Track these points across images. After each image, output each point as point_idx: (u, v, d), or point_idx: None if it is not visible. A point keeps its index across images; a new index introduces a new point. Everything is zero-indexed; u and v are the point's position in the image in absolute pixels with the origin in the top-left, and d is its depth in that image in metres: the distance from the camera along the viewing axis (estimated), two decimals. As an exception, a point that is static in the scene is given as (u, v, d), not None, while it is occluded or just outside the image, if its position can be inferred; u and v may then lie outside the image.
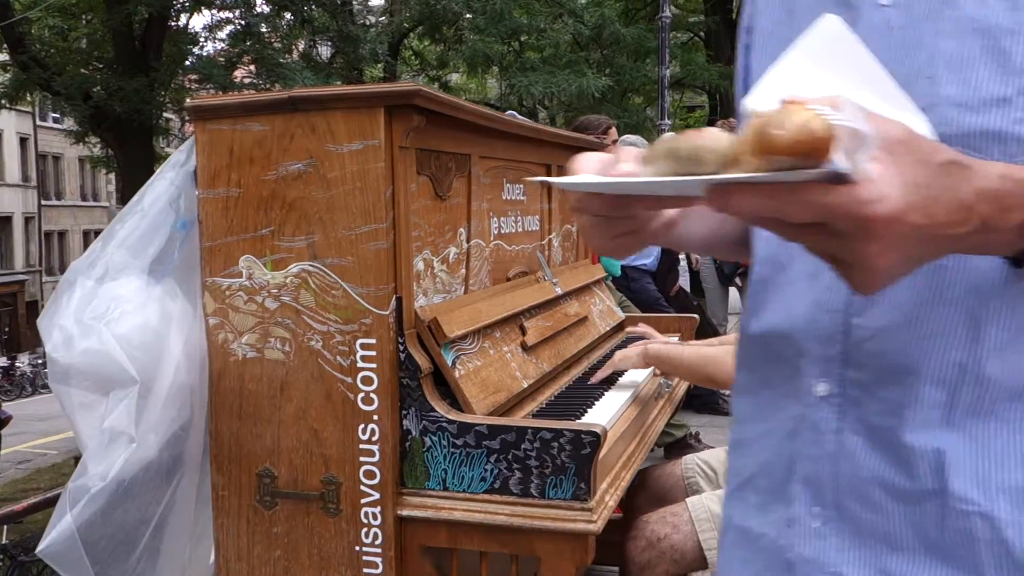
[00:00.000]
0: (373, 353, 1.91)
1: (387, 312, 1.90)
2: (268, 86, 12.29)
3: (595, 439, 1.81)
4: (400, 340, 1.91)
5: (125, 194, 12.25)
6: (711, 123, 20.30)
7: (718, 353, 2.32)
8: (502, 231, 2.58)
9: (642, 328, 2.76)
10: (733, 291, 6.67)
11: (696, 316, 3.44)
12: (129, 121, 10.36)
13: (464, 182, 2.29)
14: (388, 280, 1.89)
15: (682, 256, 6.56)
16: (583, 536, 1.84)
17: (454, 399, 1.98)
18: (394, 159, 1.89)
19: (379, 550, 1.94)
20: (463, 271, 2.28)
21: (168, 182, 1.95)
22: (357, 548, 1.95)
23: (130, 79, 10.06)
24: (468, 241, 2.31)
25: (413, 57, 19.48)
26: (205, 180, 1.98)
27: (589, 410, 2.27)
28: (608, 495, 1.93)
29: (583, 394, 2.43)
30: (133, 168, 11.33)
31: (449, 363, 1.98)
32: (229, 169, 1.97)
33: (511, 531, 1.87)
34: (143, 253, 1.88)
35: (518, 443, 1.86)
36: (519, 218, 2.73)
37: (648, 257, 5.43)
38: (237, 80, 11.41)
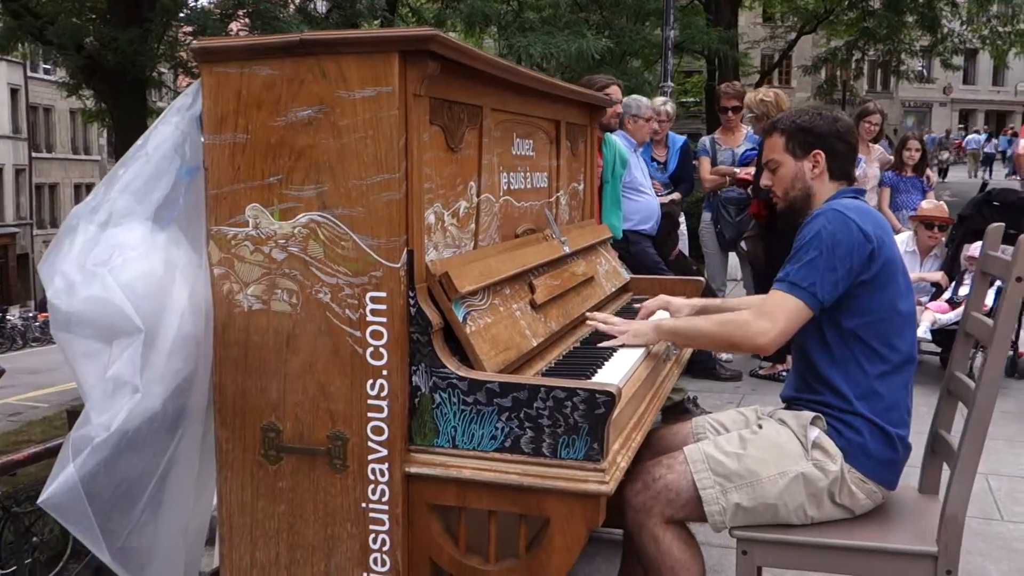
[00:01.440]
0: (383, 307, 1.86)
1: (398, 265, 1.85)
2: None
3: (610, 399, 1.78)
4: (411, 294, 1.87)
5: (118, 148, 12.08)
6: (709, 88, 20.13)
7: (738, 318, 2.27)
8: (511, 186, 2.53)
9: (658, 302, 2.71)
10: (733, 256, 6.62)
11: (702, 279, 3.40)
12: (122, 73, 10.17)
13: (475, 134, 2.23)
14: (400, 232, 1.84)
15: (682, 220, 6.51)
16: (595, 497, 1.81)
17: (464, 356, 1.94)
18: (408, 107, 1.83)
19: (386, 507, 1.91)
20: (472, 226, 2.23)
21: (173, 126, 1.89)
22: (363, 505, 1.92)
23: (123, 30, 9.86)
24: (478, 195, 2.25)
25: (410, 14, 19.20)
26: (211, 125, 1.92)
27: (599, 370, 2.24)
28: (620, 456, 1.90)
29: (593, 353, 2.39)
30: (126, 121, 11.16)
31: (460, 319, 1.94)
32: (236, 114, 1.90)
33: (521, 490, 1.83)
34: (147, 199, 1.82)
35: (530, 401, 1.82)
36: (528, 174, 2.68)
37: (649, 221, 5.38)
38: (232, 33, 11.21)
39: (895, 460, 2.27)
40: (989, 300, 5.60)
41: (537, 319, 2.32)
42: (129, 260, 1.73)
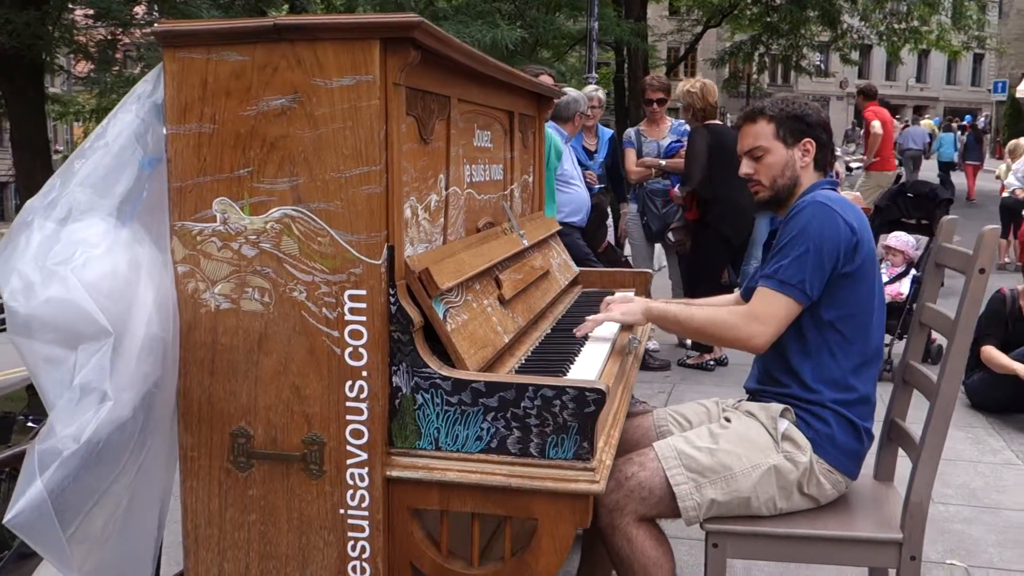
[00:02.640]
0: (363, 305, 1.78)
1: (379, 261, 1.77)
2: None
3: (600, 397, 1.74)
4: (391, 292, 1.79)
5: (13, 136, 11.44)
6: (618, 80, 20.35)
7: (730, 317, 2.25)
8: (473, 179, 2.47)
9: (620, 296, 2.69)
10: (658, 247, 6.68)
11: (651, 271, 3.40)
12: (18, 57, 9.64)
13: (444, 126, 2.16)
14: (380, 227, 1.77)
15: (623, 216, 6.55)
16: (584, 497, 1.77)
17: (443, 355, 1.88)
18: (388, 97, 1.75)
19: (366, 513, 1.84)
20: (442, 220, 2.16)
21: (133, 114, 1.77)
22: (342, 511, 1.84)
23: (19, 11, 9.34)
24: (447, 188, 2.19)
25: (320, 1, 18.83)
26: (174, 114, 1.80)
27: (572, 366, 2.20)
28: (605, 454, 1.87)
29: (561, 349, 2.35)
30: (22, 108, 10.59)
31: (441, 317, 1.88)
32: (202, 103, 1.79)
33: (508, 492, 1.79)
34: (110, 192, 1.70)
35: (518, 401, 1.77)
36: (487, 166, 2.62)
37: (579, 213, 5.38)
38: (139, 16, 10.74)
39: (860, 451, 2.30)
40: (904, 288, 5.82)
41: (506, 315, 2.28)
42: (92, 258, 1.61)
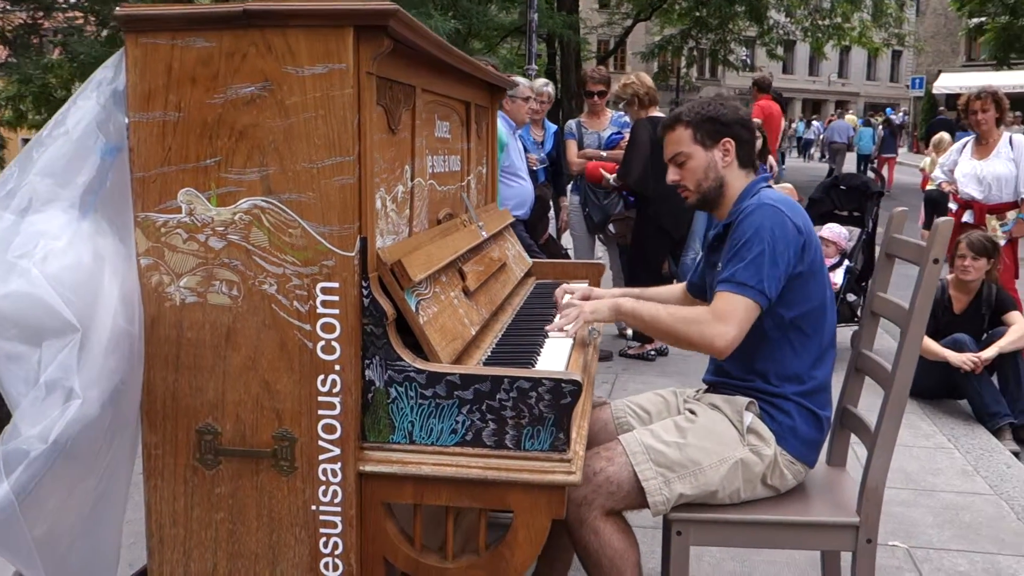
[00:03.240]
0: (336, 298, 1.75)
1: (352, 254, 1.74)
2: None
3: (576, 388, 1.75)
4: (364, 284, 1.77)
5: None
6: (550, 72, 20.44)
7: (695, 321, 2.24)
8: (435, 170, 2.44)
9: (582, 291, 2.68)
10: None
11: (603, 263, 3.42)
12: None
13: (410, 116, 2.14)
14: (353, 219, 1.74)
15: (564, 209, 6.57)
16: (560, 488, 1.78)
17: (415, 347, 1.86)
18: (361, 86, 1.72)
19: (338, 508, 1.81)
20: (408, 211, 2.14)
21: (94, 101, 1.70)
22: (314, 507, 1.82)
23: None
24: (412, 179, 2.16)
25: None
26: (137, 101, 1.74)
27: (538, 357, 2.20)
28: (578, 445, 1.88)
29: (525, 341, 2.35)
30: None
31: (413, 309, 1.86)
32: (166, 90, 1.74)
33: (484, 484, 1.78)
34: (72, 182, 1.63)
35: (493, 393, 1.76)
36: (446, 157, 2.60)
37: (523, 207, 5.39)
38: (61, 1, 10.39)
39: (820, 440, 2.36)
40: (837, 278, 5.97)
41: (471, 307, 2.27)
42: (54, 251, 1.55)
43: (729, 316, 2.17)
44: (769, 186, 2.40)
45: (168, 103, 1.74)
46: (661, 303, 2.51)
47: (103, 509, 1.65)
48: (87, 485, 1.57)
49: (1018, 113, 17.61)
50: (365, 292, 1.77)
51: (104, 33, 11.81)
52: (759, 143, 7.53)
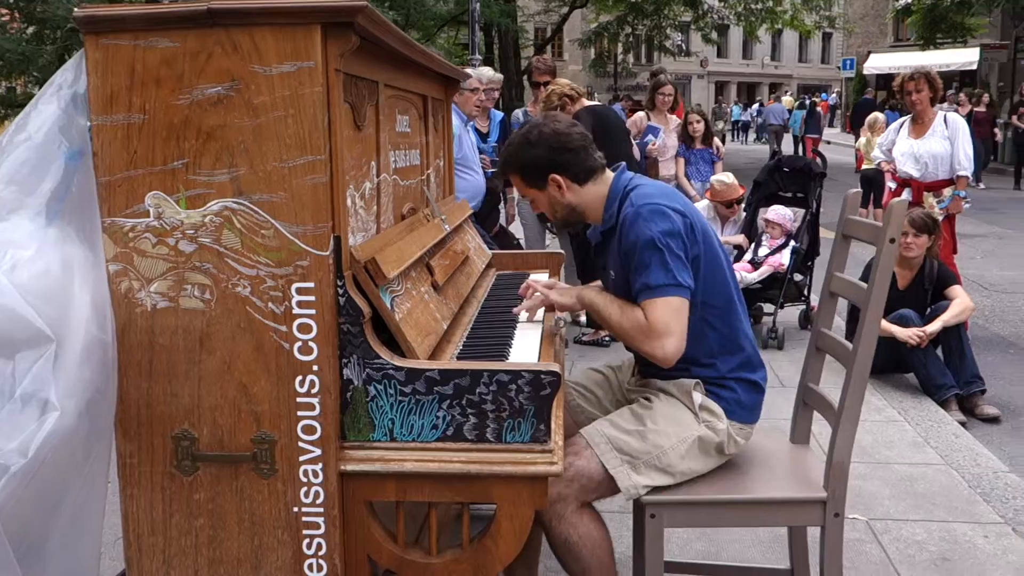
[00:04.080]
0: (311, 298, 1.74)
1: (327, 253, 1.73)
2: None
3: (555, 379, 1.76)
4: (339, 283, 1.76)
5: None
6: (487, 61, 20.38)
7: (639, 327, 2.25)
8: (397, 164, 2.43)
9: (544, 280, 2.70)
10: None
11: (563, 252, 3.44)
12: None
13: (374, 112, 2.12)
14: (326, 217, 1.73)
15: (511, 199, 6.57)
16: (542, 479, 1.79)
17: (391, 344, 1.86)
18: (330, 84, 1.71)
19: (321, 509, 1.80)
20: (375, 208, 2.13)
21: (55, 105, 1.66)
22: (295, 509, 1.80)
23: None
24: (378, 176, 2.15)
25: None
26: (99, 104, 1.71)
27: (511, 349, 2.21)
28: (557, 435, 1.89)
29: (494, 333, 2.36)
30: None
31: (388, 306, 1.85)
32: (130, 92, 1.70)
33: (466, 479, 1.79)
34: (37, 190, 1.59)
35: (473, 387, 1.77)
36: (407, 152, 2.59)
37: (474, 200, 5.39)
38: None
39: (760, 400, 2.42)
40: (784, 259, 6.07)
41: (441, 301, 2.27)
42: (22, 260, 1.51)
43: (664, 325, 2.17)
44: (631, 176, 2.39)
45: (132, 105, 1.70)
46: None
47: (83, 520, 1.62)
48: (68, 497, 1.54)
49: (950, 92, 18.15)
50: (340, 291, 1.76)
51: (30, 30, 11.48)
52: (700, 127, 7.66)
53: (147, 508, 1.82)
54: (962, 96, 17.96)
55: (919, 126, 6.31)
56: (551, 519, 2.14)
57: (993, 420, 4.75)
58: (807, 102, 22.59)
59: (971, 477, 3.86)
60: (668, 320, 2.17)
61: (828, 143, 24.83)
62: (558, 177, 2.33)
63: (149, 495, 1.81)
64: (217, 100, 1.69)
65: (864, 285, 2.35)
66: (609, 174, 2.41)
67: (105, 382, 1.62)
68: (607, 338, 6.04)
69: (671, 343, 2.17)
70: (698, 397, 2.31)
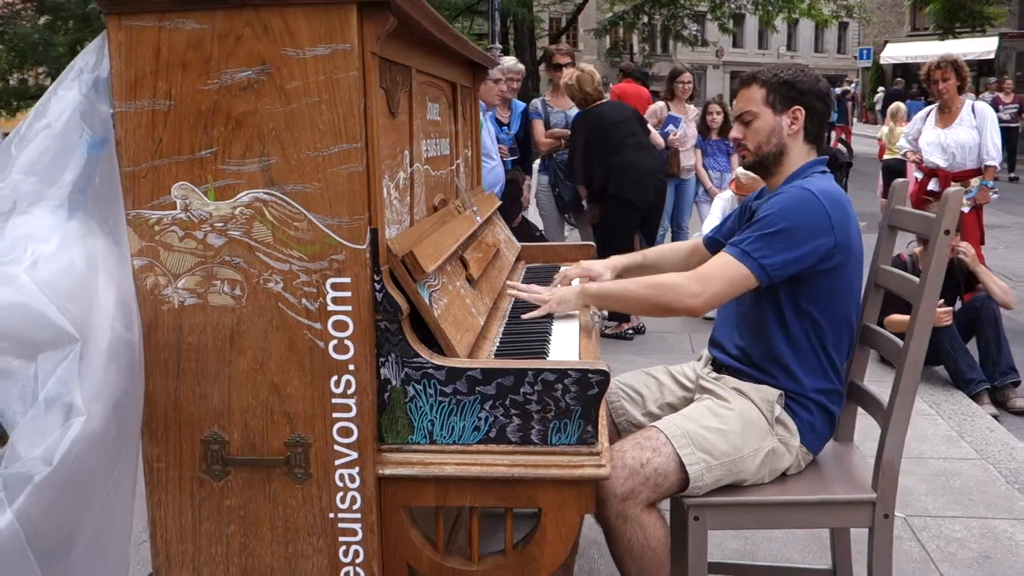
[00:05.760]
0: (347, 294, 1.65)
1: (363, 246, 1.64)
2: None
3: (603, 378, 1.67)
4: (376, 278, 1.67)
5: None
6: (504, 52, 20.27)
7: (668, 280, 2.22)
8: (428, 154, 2.34)
9: (577, 270, 2.61)
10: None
11: (593, 244, 3.35)
12: None
13: (407, 98, 2.03)
14: (363, 209, 1.64)
15: (526, 187, 6.48)
16: (590, 482, 1.70)
17: (428, 341, 1.77)
18: (367, 67, 1.61)
19: (358, 515, 1.72)
20: (408, 199, 2.04)
21: (76, 91, 1.57)
22: (331, 515, 1.72)
23: None
24: (411, 165, 2.06)
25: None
26: (123, 90, 1.62)
27: (550, 346, 2.12)
28: (603, 437, 1.80)
29: (531, 328, 2.26)
30: None
31: (427, 302, 1.76)
32: (155, 76, 1.61)
33: (510, 483, 1.70)
34: (59, 180, 1.51)
35: (517, 387, 1.68)
36: (437, 141, 2.50)
37: (494, 188, 5.30)
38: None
39: (830, 435, 2.33)
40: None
41: (477, 296, 2.18)
42: (44, 255, 1.42)
43: (711, 277, 2.13)
44: (825, 172, 2.32)
45: (157, 90, 1.61)
46: (662, 271, 2.46)
47: (110, 531, 1.54)
48: (94, 507, 1.46)
49: (992, 80, 17.73)
50: (378, 286, 1.67)
51: (42, 20, 11.41)
52: (720, 119, 7.53)
53: (176, 515, 1.74)
54: (1008, 82, 17.30)
55: (946, 115, 6.18)
56: (615, 518, 2.02)
57: (1024, 414, 4.65)
58: (838, 91, 22.39)
59: (1008, 472, 3.76)
60: (724, 280, 2.13)
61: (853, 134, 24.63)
62: (801, 112, 2.26)
63: (178, 501, 1.73)
64: (247, 85, 1.60)
65: (915, 279, 2.25)
66: (815, 154, 2.33)
67: (132, 384, 1.54)
68: (630, 330, 5.95)
69: (706, 294, 2.14)
70: (777, 409, 2.21)
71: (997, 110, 15.02)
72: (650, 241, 6.24)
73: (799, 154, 2.29)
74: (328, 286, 1.65)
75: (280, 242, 1.64)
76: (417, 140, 2.12)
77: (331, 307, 1.65)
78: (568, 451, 1.69)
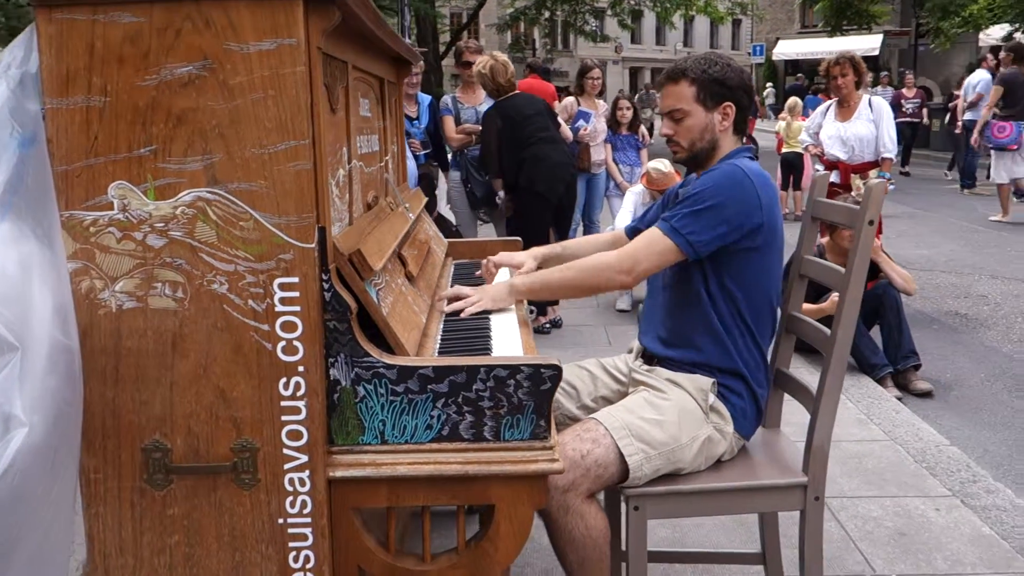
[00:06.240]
0: (296, 294, 1.62)
1: (312, 245, 1.61)
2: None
3: (556, 373, 1.68)
4: (324, 277, 1.64)
5: None
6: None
7: (600, 260, 2.24)
8: (362, 151, 2.31)
9: (502, 259, 2.61)
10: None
11: (519, 239, 3.35)
12: None
13: (344, 94, 2.00)
14: (311, 207, 1.60)
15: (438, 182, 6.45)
16: (543, 477, 1.71)
17: (378, 341, 1.75)
18: (312, 63, 1.58)
19: (308, 519, 1.68)
20: (347, 197, 2.01)
21: (3, 87, 1.49)
22: (281, 520, 1.68)
23: None
24: (349, 162, 2.03)
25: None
26: (54, 86, 1.54)
27: (492, 342, 2.12)
28: (554, 431, 1.81)
29: (471, 325, 2.26)
30: None
31: (375, 300, 1.74)
32: (89, 72, 1.54)
33: (464, 480, 1.69)
34: (-10, 181, 1.43)
35: (469, 384, 1.67)
36: (368, 137, 2.46)
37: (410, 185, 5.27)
38: None
39: (760, 417, 2.39)
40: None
41: (417, 294, 2.16)
42: (-26, 261, 1.35)
43: (641, 251, 2.19)
44: (753, 158, 2.37)
45: (92, 86, 1.55)
46: (575, 257, 2.49)
47: (51, 546, 1.47)
48: (35, 521, 1.39)
49: (909, 74, 18.23)
50: (326, 286, 1.64)
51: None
52: (629, 113, 7.65)
53: (115, 527, 1.67)
54: (909, 77, 17.76)
55: (845, 109, 6.42)
56: (557, 510, 2.03)
57: (926, 395, 4.87)
58: None
59: (915, 452, 3.94)
60: (653, 254, 2.19)
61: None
62: (731, 108, 2.30)
63: (117, 513, 1.67)
64: (188, 80, 1.55)
65: (841, 269, 2.33)
66: (740, 143, 2.38)
67: (72, 392, 1.47)
68: (547, 324, 5.99)
69: (639, 268, 2.21)
70: (711, 398, 2.26)
71: (900, 105, 15.56)
72: (562, 236, 6.29)
73: (728, 146, 2.35)
74: (276, 286, 1.61)
75: (225, 242, 1.60)
76: (354, 137, 2.09)
77: (279, 308, 1.62)
78: (522, 446, 1.69)
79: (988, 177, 11.83)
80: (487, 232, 7.17)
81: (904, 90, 16.63)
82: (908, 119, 15.52)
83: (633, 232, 2.62)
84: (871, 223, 2.24)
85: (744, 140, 2.42)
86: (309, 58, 1.57)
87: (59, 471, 1.43)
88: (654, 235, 2.21)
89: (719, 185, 2.18)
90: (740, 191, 2.17)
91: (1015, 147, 10.50)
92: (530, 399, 1.68)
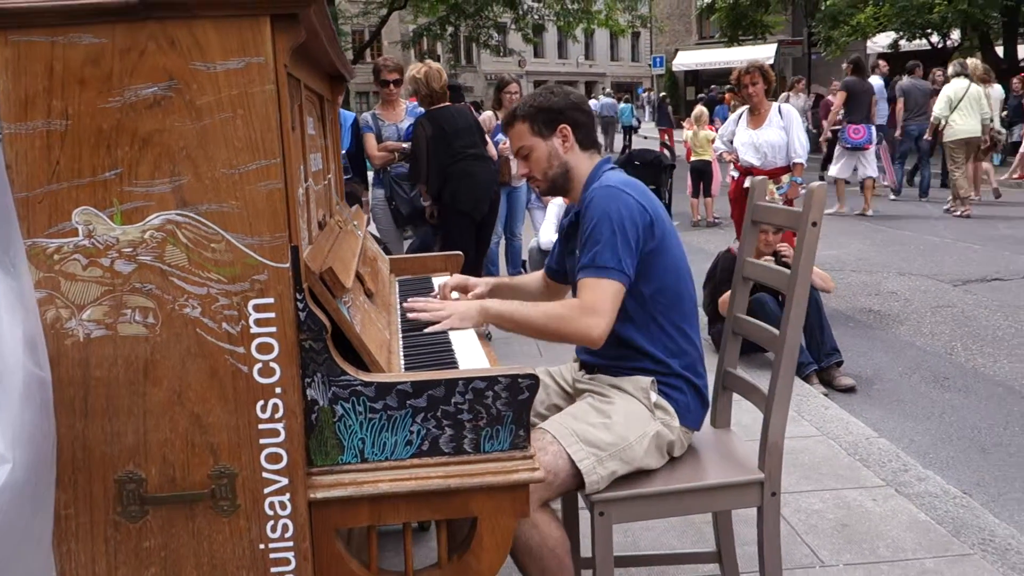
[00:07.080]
0: (271, 315, 1.59)
1: (286, 265, 1.59)
2: None
3: (534, 382, 1.70)
4: (299, 297, 1.62)
5: None
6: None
7: (565, 312, 2.24)
8: (312, 169, 2.29)
9: (455, 281, 2.62)
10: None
11: (461, 253, 3.36)
12: None
13: (299, 112, 1.98)
14: (283, 227, 1.59)
15: (365, 199, 6.39)
16: (523, 486, 1.72)
17: (350, 359, 1.73)
18: (279, 81, 1.57)
19: (290, 543, 1.66)
20: (306, 215, 1.98)
21: (-39, 113, 1.43)
22: (262, 546, 1.65)
23: None
24: (306, 180, 2.01)
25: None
26: (13, 111, 1.49)
27: (457, 356, 2.12)
28: (531, 439, 1.82)
29: (431, 340, 2.25)
30: None
31: (348, 319, 1.73)
32: (49, 95, 1.50)
33: (445, 494, 1.69)
34: (-48, 210, 1.36)
35: (448, 397, 1.68)
36: (315, 155, 2.44)
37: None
38: None
39: (705, 408, 2.46)
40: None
41: (378, 311, 2.15)
42: (-59, 293, 1.29)
43: (598, 305, 2.19)
44: (613, 168, 2.45)
45: (52, 110, 1.50)
46: (527, 296, 2.51)
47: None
48: (19, 563, 1.33)
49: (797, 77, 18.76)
50: (300, 305, 1.62)
51: None
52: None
53: (88, 564, 1.62)
54: (835, 84, 18.14)
55: (756, 117, 6.63)
56: None
57: (850, 390, 5.05)
58: (654, 97, 23.71)
59: (847, 445, 4.08)
60: (604, 301, 2.19)
61: (645, 137, 25.90)
62: (568, 129, 2.35)
63: (90, 549, 1.61)
64: (154, 102, 1.52)
65: (786, 271, 2.42)
66: (598, 157, 2.43)
67: (48, 424, 1.42)
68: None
69: (602, 323, 2.19)
70: (653, 395, 2.31)
71: (826, 113, 16.08)
72: (483, 250, 6.29)
73: (583, 163, 2.42)
74: (251, 307, 1.59)
75: (197, 265, 1.56)
76: (308, 155, 2.07)
77: (254, 329, 1.59)
78: (502, 457, 1.70)
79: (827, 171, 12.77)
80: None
81: (831, 96, 17.21)
82: (834, 127, 16.03)
83: (554, 273, 2.66)
84: (814, 224, 2.33)
85: (601, 152, 2.51)
86: (277, 76, 1.56)
87: (38, 506, 1.37)
88: (597, 284, 2.21)
89: (606, 209, 2.22)
90: (623, 203, 2.24)
91: (869, 146, 11.35)
92: (508, 409, 1.69)
